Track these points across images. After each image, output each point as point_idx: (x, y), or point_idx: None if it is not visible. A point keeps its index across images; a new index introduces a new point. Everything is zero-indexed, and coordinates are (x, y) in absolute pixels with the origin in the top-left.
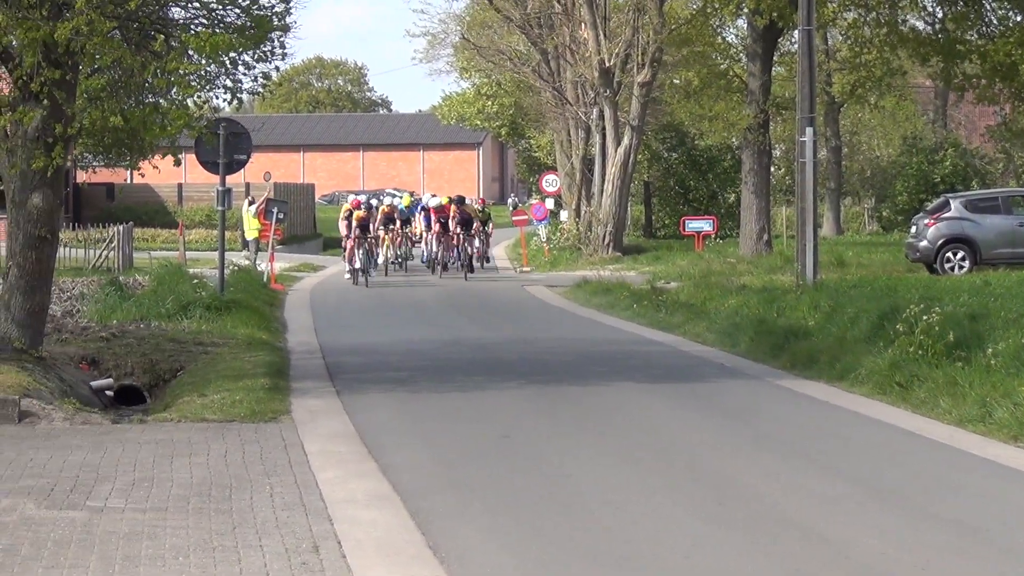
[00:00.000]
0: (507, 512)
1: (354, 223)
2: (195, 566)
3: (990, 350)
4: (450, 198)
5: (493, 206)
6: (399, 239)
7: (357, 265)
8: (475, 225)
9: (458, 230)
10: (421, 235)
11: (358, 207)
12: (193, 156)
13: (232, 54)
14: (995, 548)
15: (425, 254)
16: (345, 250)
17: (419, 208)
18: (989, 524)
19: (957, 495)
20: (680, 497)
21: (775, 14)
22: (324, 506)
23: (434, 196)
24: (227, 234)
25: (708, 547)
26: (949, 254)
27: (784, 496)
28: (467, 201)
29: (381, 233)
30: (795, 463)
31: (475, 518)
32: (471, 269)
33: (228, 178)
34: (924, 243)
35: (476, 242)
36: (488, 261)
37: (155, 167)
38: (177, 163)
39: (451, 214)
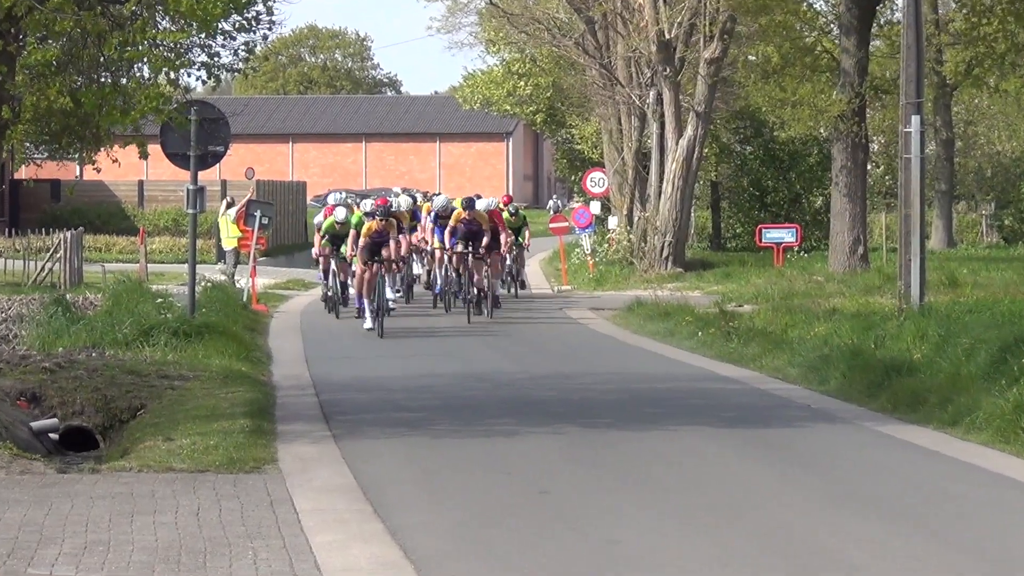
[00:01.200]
0: None
1: (363, 239)
2: None
3: None
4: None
5: (526, 210)
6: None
7: (365, 306)
8: (484, 241)
9: (456, 249)
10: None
11: (380, 210)
12: (157, 147)
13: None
14: None
15: (435, 279)
16: (337, 274)
17: (432, 215)
18: None
19: None
20: (757, 571)
21: None
22: None
23: (436, 195)
24: (199, 243)
25: None
26: None
27: (887, 570)
28: (479, 205)
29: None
30: (900, 528)
31: None
32: (479, 306)
33: (201, 174)
34: None
35: (487, 268)
36: (524, 287)
37: (114, 160)
38: (144, 155)
39: (450, 224)
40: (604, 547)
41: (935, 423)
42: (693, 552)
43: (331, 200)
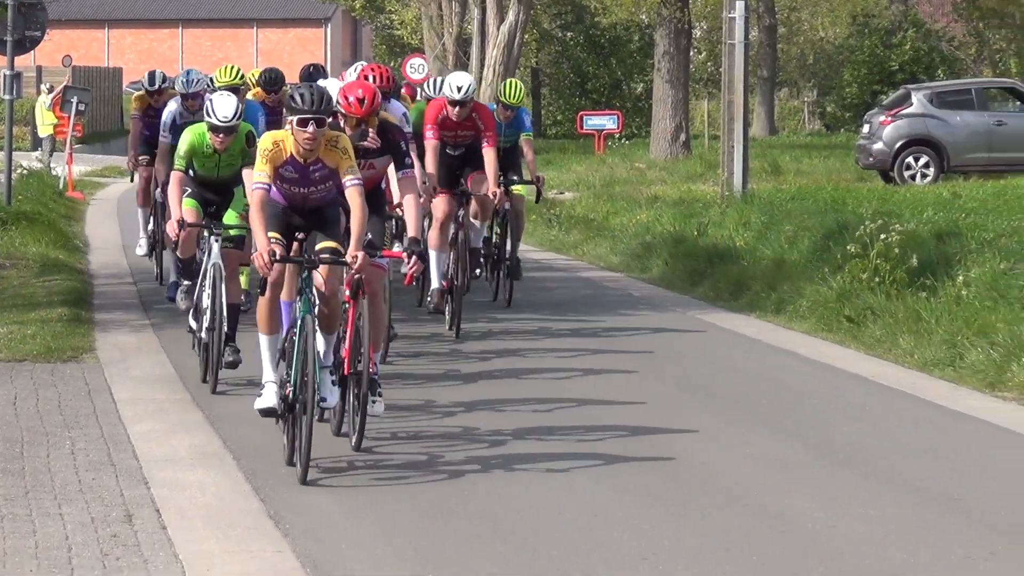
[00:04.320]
0: (368, 475)
1: (183, 153)
2: None
3: (961, 278)
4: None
5: None
6: None
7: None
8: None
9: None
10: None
11: (265, 76)
12: None
13: None
14: (971, 517)
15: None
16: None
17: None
18: (962, 491)
19: (923, 456)
20: (581, 461)
21: None
22: (139, 466)
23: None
24: (14, 130)
25: (617, 520)
26: (910, 159)
27: (712, 457)
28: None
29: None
30: (724, 416)
31: (327, 481)
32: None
33: (16, 60)
34: (879, 146)
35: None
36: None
37: None
38: None
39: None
40: (449, 436)
41: (759, 311)
42: (520, 442)
43: (178, 85)
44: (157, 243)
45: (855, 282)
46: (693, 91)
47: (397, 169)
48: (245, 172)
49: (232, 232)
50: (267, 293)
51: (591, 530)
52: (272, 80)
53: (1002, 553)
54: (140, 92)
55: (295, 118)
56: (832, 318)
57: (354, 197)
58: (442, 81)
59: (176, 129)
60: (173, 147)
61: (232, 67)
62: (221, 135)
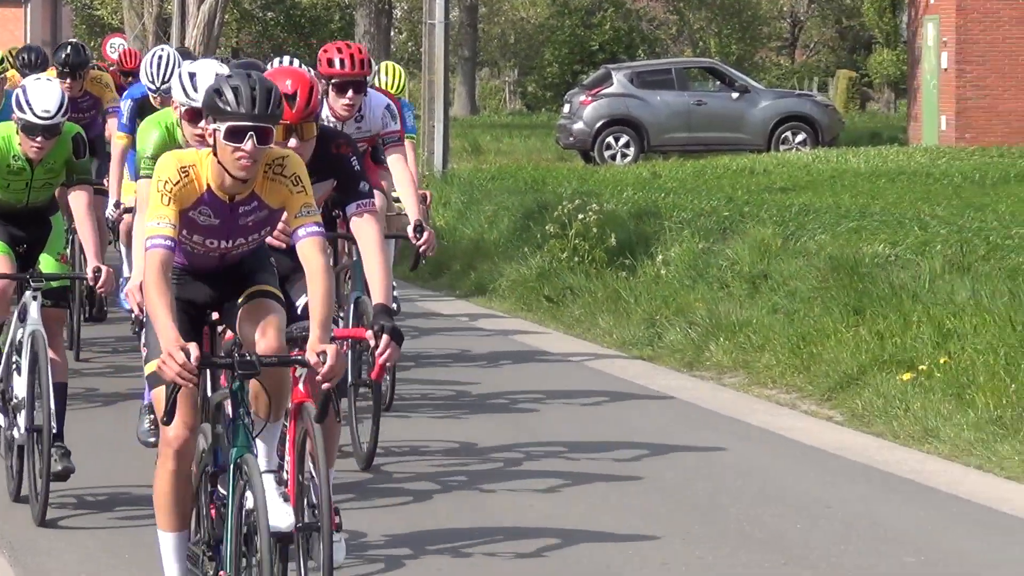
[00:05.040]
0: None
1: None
2: None
3: (660, 257)
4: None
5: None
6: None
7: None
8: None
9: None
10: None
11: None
12: None
13: None
14: (666, 497)
15: None
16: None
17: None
18: (658, 471)
19: (621, 436)
20: None
21: None
22: None
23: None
24: None
25: None
26: (610, 139)
27: (412, 439)
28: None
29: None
30: (427, 396)
31: (66, 523)
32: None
33: None
34: (579, 125)
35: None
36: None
37: None
38: None
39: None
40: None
41: (459, 291)
42: None
43: None
44: None
45: (554, 262)
46: None
47: (349, 200)
48: (72, 195)
49: (54, 284)
50: (178, 430)
51: None
52: (36, 62)
53: (696, 532)
54: None
55: (223, 127)
56: (532, 297)
57: (313, 254)
58: None
59: None
60: None
61: None
62: (39, 138)
